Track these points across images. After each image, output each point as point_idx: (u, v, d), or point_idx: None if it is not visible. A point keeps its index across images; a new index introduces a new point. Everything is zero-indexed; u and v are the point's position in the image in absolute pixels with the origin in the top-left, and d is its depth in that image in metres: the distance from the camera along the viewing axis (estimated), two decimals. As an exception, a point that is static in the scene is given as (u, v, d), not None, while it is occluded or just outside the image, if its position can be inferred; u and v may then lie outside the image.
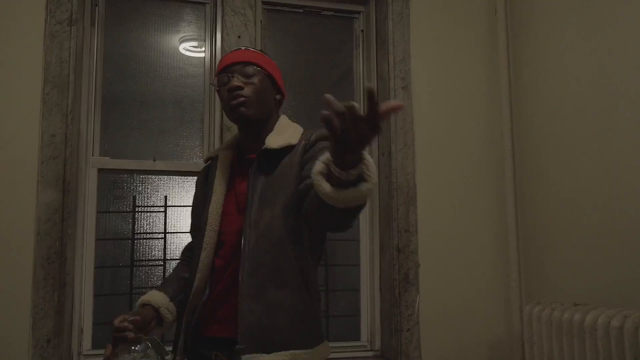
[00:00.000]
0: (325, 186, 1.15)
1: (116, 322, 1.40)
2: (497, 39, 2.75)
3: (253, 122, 1.58)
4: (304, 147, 1.53)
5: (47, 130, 2.27)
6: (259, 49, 1.73)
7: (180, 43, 2.70)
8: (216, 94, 1.91)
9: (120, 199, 2.55)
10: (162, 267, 2.55)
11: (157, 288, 1.64)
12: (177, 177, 2.61)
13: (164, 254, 2.56)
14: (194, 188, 1.81)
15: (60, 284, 2.21)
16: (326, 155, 1.16)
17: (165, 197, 2.59)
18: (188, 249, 1.80)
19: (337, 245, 2.78)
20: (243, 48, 1.65)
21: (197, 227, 1.64)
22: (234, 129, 2.54)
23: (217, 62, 2.59)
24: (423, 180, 2.62)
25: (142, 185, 2.58)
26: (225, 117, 2.53)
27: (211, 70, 2.65)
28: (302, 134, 1.59)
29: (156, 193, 2.59)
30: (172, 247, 2.57)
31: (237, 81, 1.54)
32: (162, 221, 2.57)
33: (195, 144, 2.65)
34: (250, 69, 1.56)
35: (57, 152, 2.26)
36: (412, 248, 2.57)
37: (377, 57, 2.79)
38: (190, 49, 2.71)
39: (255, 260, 1.44)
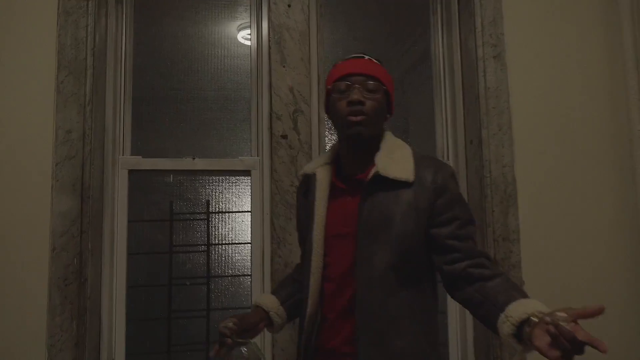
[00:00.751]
0: (517, 347, 1.19)
1: (220, 325, 1.44)
2: (618, -9, 2.15)
3: (365, 142, 1.48)
4: (434, 191, 1.42)
5: (62, 126, 1.90)
6: (375, 58, 1.51)
7: (239, 31, 2.30)
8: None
9: (154, 205, 2.16)
10: (205, 286, 2.13)
11: (272, 291, 1.68)
12: (220, 177, 2.20)
13: (208, 269, 2.15)
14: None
15: (80, 310, 1.84)
16: (514, 317, 1.18)
17: (208, 202, 2.18)
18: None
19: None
20: (366, 57, 1.51)
21: (303, 244, 1.60)
22: (284, 119, 2.09)
23: (267, 38, 2.16)
24: (524, 173, 2.06)
25: (180, 189, 2.18)
26: (274, 105, 2.09)
27: (259, 51, 2.21)
28: (413, 160, 1.46)
29: (197, 197, 2.18)
30: (216, 261, 2.15)
31: (359, 95, 1.44)
32: (205, 231, 2.16)
33: (242, 137, 2.22)
34: (372, 84, 1.46)
35: (74, 151, 1.89)
36: (513, 261, 2.02)
37: (459, 23, 2.26)
38: (247, 37, 2.30)
39: (371, 311, 1.39)
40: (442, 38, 2.33)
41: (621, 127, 2.11)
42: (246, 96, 2.23)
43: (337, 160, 1.58)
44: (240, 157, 2.17)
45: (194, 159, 2.15)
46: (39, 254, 1.84)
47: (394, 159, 1.46)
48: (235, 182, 2.20)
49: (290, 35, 2.15)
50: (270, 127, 2.11)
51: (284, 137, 2.11)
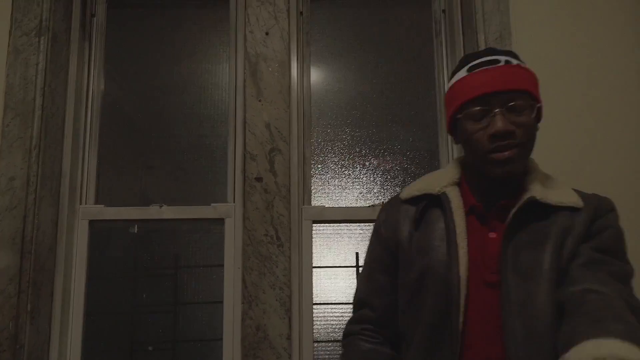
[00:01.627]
0: None
1: None
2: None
3: (520, 173, 1.13)
4: (593, 214, 1.11)
5: (5, 173, 1.72)
6: (510, 51, 1.15)
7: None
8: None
9: (115, 260, 1.94)
10: (170, 352, 1.87)
11: None
12: (191, 227, 1.96)
13: (174, 332, 1.88)
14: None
15: (13, 387, 1.61)
16: None
17: (176, 255, 1.93)
18: (368, 320, 1.23)
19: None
20: (502, 61, 1.10)
21: (390, 292, 1.19)
22: (259, 159, 1.84)
23: (243, 69, 1.94)
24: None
25: (145, 241, 1.95)
26: (248, 143, 1.85)
27: (230, 84, 2.00)
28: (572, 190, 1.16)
29: (165, 250, 1.95)
30: (184, 323, 1.89)
31: (505, 123, 1.07)
32: (172, 289, 1.91)
33: (217, 181, 1.99)
34: (521, 102, 1.08)
35: (15, 201, 1.71)
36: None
37: (463, 43, 1.96)
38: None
39: None
40: (447, 62, 2.03)
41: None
42: (222, 134, 2.00)
43: (463, 181, 1.21)
44: (213, 204, 1.93)
45: (161, 206, 1.92)
46: (-28, 317, 1.64)
47: (550, 184, 1.14)
48: (208, 233, 1.95)
49: (267, 66, 1.92)
50: (244, 169, 1.86)
51: (259, 179, 1.85)
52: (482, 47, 1.80)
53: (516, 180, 1.13)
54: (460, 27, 1.98)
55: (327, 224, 1.95)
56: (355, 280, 1.92)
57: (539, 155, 1.20)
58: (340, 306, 1.92)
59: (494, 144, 1.07)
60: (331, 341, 1.90)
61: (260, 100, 1.90)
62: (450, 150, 1.97)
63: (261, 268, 1.79)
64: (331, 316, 1.92)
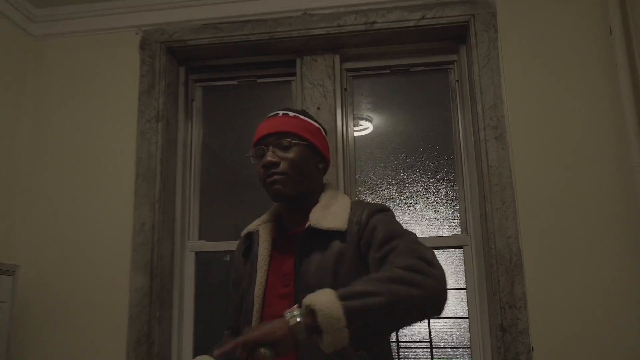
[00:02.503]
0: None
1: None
2: (616, 65, 2.27)
3: (292, 199, 1.47)
4: (357, 233, 1.39)
5: (138, 220, 2.48)
6: (301, 110, 1.58)
7: None
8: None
9: (214, 282, 2.64)
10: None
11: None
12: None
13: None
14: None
15: (149, 368, 2.34)
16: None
17: None
18: (230, 326, 1.69)
19: (444, 326, 2.46)
20: (280, 114, 1.52)
21: (239, 306, 1.54)
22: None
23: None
24: (530, 244, 2.21)
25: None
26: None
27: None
28: (349, 212, 1.44)
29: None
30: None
31: (271, 156, 1.44)
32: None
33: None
34: (286, 141, 1.45)
35: (146, 240, 2.45)
36: (520, 327, 2.15)
37: (470, 109, 2.51)
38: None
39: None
40: (461, 124, 2.59)
41: (626, 191, 2.19)
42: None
43: (279, 218, 1.57)
44: (283, 237, 2.59)
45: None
46: (121, 321, 2.38)
47: (330, 210, 1.43)
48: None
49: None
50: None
51: (315, 219, 2.49)
52: (481, 113, 2.35)
53: (303, 212, 1.45)
54: (467, 95, 2.54)
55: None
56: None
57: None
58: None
59: (267, 173, 1.44)
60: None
61: (315, 159, 2.55)
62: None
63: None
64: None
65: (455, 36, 2.56)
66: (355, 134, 2.69)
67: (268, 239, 1.50)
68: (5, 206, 2.50)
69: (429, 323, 2.46)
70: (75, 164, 2.57)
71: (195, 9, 2.62)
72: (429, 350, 2.44)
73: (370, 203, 1.47)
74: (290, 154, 1.44)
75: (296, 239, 1.42)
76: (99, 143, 2.58)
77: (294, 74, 2.71)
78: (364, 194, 2.62)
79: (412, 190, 2.60)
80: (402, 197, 2.60)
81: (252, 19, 2.58)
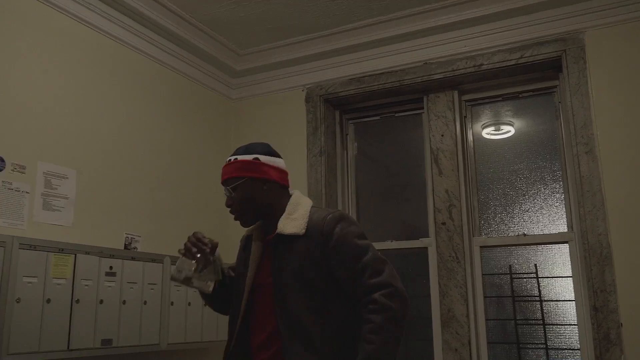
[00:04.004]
0: None
1: (201, 236, 1.86)
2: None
3: (254, 222, 1.90)
4: (323, 241, 1.73)
5: (311, 229, 3.41)
6: (246, 145, 1.90)
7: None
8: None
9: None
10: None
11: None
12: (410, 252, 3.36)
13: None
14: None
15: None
16: None
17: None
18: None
19: (555, 307, 3.02)
20: (229, 160, 1.88)
21: (237, 288, 1.92)
22: (443, 212, 3.20)
23: (429, 157, 3.32)
24: (618, 240, 2.69)
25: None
26: (435, 201, 3.23)
27: (432, 162, 3.37)
28: (309, 215, 1.79)
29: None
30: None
31: (226, 200, 1.86)
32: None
33: (420, 225, 3.39)
34: (230, 187, 1.83)
35: (317, 243, 3.37)
36: (611, 307, 2.66)
37: (565, 127, 3.03)
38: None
39: (292, 336, 1.70)
40: (562, 138, 3.11)
41: None
42: (423, 196, 3.40)
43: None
44: (420, 239, 3.33)
45: (392, 241, 3.38)
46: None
47: (293, 217, 1.79)
48: (418, 256, 3.35)
49: (443, 155, 3.27)
50: (435, 218, 3.23)
51: (443, 224, 3.20)
52: (573, 131, 2.87)
53: (275, 220, 1.81)
54: (567, 115, 3.05)
55: (490, 248, 3.19)
56: (510, 281, 3.11)
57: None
58: (498, 298, 3.14)
59: (230, 211, 1.87)
60: (496, 319, 3.12)
61: (440, 176, 3.25)
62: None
63: (448, 275, 3.13)
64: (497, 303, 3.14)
65: (553, 67, 3.08)
66: (498, 137, 3.33)
67: (257, 241, 1.90)
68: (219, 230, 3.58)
69: (541, 305, 3.03)
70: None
71: (343, 68, 3.48)
72: (542, 327, 3.01)
73: (330, 211, 1.81)
74: (236, 195, 1.84)
75: (271, 242, 1.82)
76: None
77: (422, 108, 3.43)
78: (484, 198, 3.26)
79: (525, 194, 3.18)
80: (517, 200, 3.19)
81: (385, 71, 3.38)
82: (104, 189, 2.81)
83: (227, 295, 1.97)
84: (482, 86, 3.30)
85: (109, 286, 2.53)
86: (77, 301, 2.36)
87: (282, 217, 1.80)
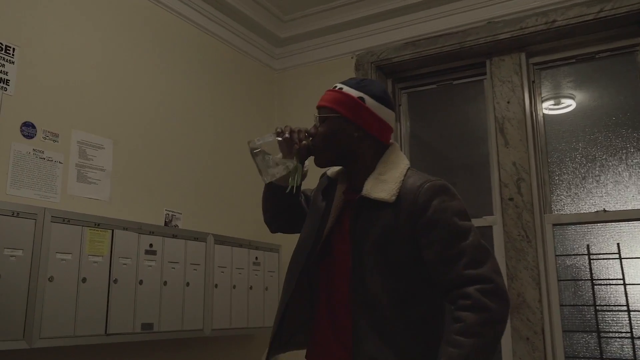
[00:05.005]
0: None
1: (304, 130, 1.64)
2: None
3: (325, 166, 1.64)
4: (414, 212, 1.46)
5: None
6: (360, 79, 1.64)
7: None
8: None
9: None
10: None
11: None
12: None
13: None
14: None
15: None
16: None
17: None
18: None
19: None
20: (333, 87, 1.63)
21: (304, 234, 1.70)
22: (510, 186, 2.90)
23: (494, 127, 3.01)
24: None
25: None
26: (502, 175, 2.93)
27: (497, 132, 3.06)
28: (403, 178, 1.52)
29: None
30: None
31: (312, 127, 1.62)
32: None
33: (484, 202, 3.09)
34: (321, 116, 1.60)
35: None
36: None
37: (656, 88, 2.68)
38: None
39: (366, 326, 1.46)
40: (649, 100, 2.76)
41: None
42: (486, 171, 3.11)
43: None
44: (484, 217, 3.04)
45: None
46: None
47: (383, 179, 1.51)
48: (484, 236, 3.06)
49: (510, 124, 2.96)
50: (501, 193, 2.93)
51: (511, 199, 2.90)
52: (664, 93, 2.53)
53: (360, 176, 1.56)
54: (655, 74, 2.71)
55: (564, 226, 2.88)
56: (588, 263, 2.80)
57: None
58: (573, 281, 2.82)
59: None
60: (573, 305, 2.81)
61: (507, 147, 2.95)
62: (657, 166, 2.69)
63: (517, 257, 2.83)
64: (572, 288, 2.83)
65: (637, 21, 2.74)
66: (553, 112, 3.00)
67: (339, 193, 1.63)
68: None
69: (625, 289, 2.70)
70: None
71: (396, 32, 3.19)
72: (627, 313, 2.69)
73: (429, 179, 1.50)
74: (322, 128, 1.58)
75: (354, 204, 1.54)
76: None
77: (485, 74, 3.12)
78: (555, 171, 2.94)
79: (603, 166, 2.85)
80: (593, 173, 2.87)
81: (443, 33, 3.08)
82: (143, 161, 2.61)
83: (289, 213, 1.77)
84: (553, 47, 2.97)
85: (149, 265, 2.33)
86: (115, 281, 2.17)
87: (371, 176, 1.54)
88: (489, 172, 3.07)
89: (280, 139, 1.61)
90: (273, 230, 1.87)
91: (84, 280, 2.06)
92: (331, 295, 1.57)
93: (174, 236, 2.47)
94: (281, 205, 1.76)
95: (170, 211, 2.70)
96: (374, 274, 1.46)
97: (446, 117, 3.31)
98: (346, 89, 1.58)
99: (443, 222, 1.44)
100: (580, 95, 2.98)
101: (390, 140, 1.63)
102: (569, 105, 3.01)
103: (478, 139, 3.17)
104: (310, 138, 1.61)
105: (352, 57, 3.33)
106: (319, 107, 1.61)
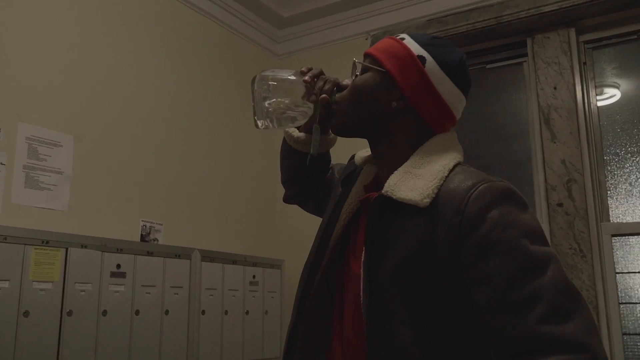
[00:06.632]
0: None
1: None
2: None
3: (344, 135, 1.20)
4: (459, 226, 0.97)
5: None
6: (431, 35, 1.19)
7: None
8: None
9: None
10: None
11: None
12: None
13: None
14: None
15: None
16: None
17: None
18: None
19: None
20: (394, 35, 1.20)
21: (320, 232, 1.25)
22: (558, 189, 2.43)
23: (538, 118, 2.55)
24: None
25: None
26: (548, 176, 2.46)
27: (542, 124, 2.60)
28: (446, 177, 1.04)
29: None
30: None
31: (349, 80, 1.19)
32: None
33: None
34: (362, 65, 1.17)
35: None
36: None
37: None
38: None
39: None
40: None
41: None
42: (527, 169, 2.64)
43: None
44: (525, 225, 2.57)
45: None
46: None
47: (417, 173, 1.06)
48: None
49: (558, 114, 2.49)
50: (547, 197, 2.46)
51: (560, 205, 2.43)
52: None
53: (389, 163, 1.12)
54: None
55: (625, 237, 2.40)
56: (656, 283, 2.32)
57: None
58: (644, 304, 2.35)
59: None
60: (638, 334, 2.34)
61: (554, 142, 2.48)
62: None
63: (569, 275, 2.36)
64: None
65: None
66: (599, 103, 2.54)
67: (360, 191, 1.20)
68: (271, 211, 2.93)
69: None
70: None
71: (418, 7, 2.74)
72: None
73: (486, 178, 1.01)
74: (355, 82, 1.15)
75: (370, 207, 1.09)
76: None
77: (525, 55, 2.67)
78: (613, 171, 2.47)
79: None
80: (662, 175, 2.39)
81: (477, 6, 2.62)
82: (113, 161, 2.20)
83: (310, 181, 1.39)
84: (610, 20, 2.49)
85: (116, 291, 1.92)
86: (69, 313, 1.76)
87: (400, 168, 1.07)
88: (532, 172, 2.61)
89: (294, 78, 1.20)
90: (287, 197, 1.46)
91: (25, 313, 1.64)
92: (344, 334, 1.12)
93: (150, 253, 2.05)
94: (298, 171, 1.38)
95: (148, 222, 2.28)
96: (396, 317, 1.00)
97: (479, 106, 2.84)
98: (408, 41, 1.14)
99: (506, 245, 0.94)
100: (626, 85, 2.51)
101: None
102: (612, 95, 2.54)
103: (518, 132, 2.71)
104: (338, 94, 1.18)
105: (366, 39, 2.89)
106: (365, 54, 1.18)
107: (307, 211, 1.47)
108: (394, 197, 1.02)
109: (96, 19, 2.21)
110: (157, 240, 2.30)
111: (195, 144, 2.61)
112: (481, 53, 2.78)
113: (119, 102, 2.26)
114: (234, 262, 2.42)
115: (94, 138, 2.14)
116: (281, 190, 1.46)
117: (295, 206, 1.46)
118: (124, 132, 2.26)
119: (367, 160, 1.24)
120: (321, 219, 1.26)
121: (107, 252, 1.89)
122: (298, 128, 1.31)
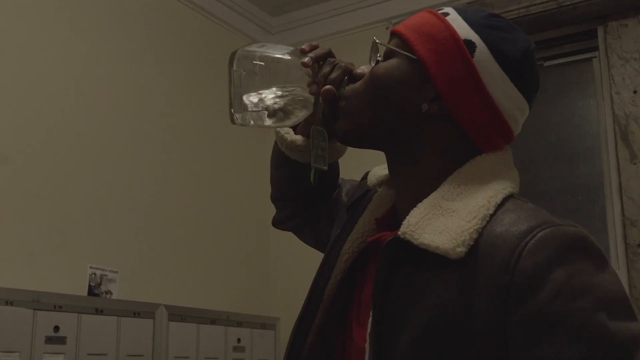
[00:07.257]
0: None
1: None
2: None
3: (349, 138, 1.12)
4: (504, 291, 0.87)
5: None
6: (489, 13, 1.07)
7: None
8: None
9: None
10: None
11: None
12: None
13: None
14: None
15: None
16: None
17: None
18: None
19: None
20: (434, 9, 1.09)
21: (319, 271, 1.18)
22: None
23: (612, 132, 2.52)
24: None
25: None
26: (626, 207, 2.41)
27: (617, 139, 2.54)
28: (491, 215, 0.95)
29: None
30: None
31: (366, 67, 1.11)
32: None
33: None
34: (384, 44, 1.09)
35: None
36: None
37: None
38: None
39: None
40: None
41: None
42: (598, 198, 2.60)
43: None
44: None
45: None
46: None
47: (448, 208, 0.98)
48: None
49: (639, 127, 2.43)
50: (624, 236, 2.39)
51: (641, 246, 2.35)
52: None
53: (411, 188, 1.06)
54: None
55: None
56: None
57: None
58: None
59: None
60: None
61: (635, 163, 2.40)
62: None
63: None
64: None
65: None
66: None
67: (370, 226, 1.14)
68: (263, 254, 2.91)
69: None
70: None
71: (453, -13, 2.73)
72: None
73: (548, 220, 0.91)
74: (374, 70, 1.07)
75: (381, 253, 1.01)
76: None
77: (596, 48, 2.70)
78: None
79: None
80: None
81: (530, -14, 2.62)
82: (50, 189, 2.23)
83: (309, 202, 1.34)
84: None
85: (52, 364, 1.96)
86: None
87: (427, 199, 0.99)
88: (604, 202, 2.59)
89: (289, 58, 1.11)
90: (277, 220, 1.43)
91: None
92: None
93: (99, 311, 2.08)
94: (292, 187, 1.34)
95: (98, 269, 2.29)
96: None
97: (533, 115, 2.71)
98: (453, 17, 1.04)
99: (574, 321, 0.85)
100: None
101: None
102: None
103: (585, 150, 2.74)
104: (349, 87, 1.09)
105: (387, 28, 2.90)
106: (391, 34, 1.09)
107: (303, 242, 1.44)
108: (415, 243, 0.93)
109: (40, 14, 2.22)
110: (111, 294, 2.31)
111: (163, 165, 2.63)
112: (538, 47, 2.68)
113: (57, 113, 2.30)
114: (213, 322, 2.46)
115: (26, 158, 2.17)
116: (265, 233, 1.40)
117: (295, 247, 1.42)
118: (64, 151, 2.30)
119: (384, 182, 1.17)
120: (323, 256, 1.20)
121: (40, 310, 1.89)
122: (294, 128, 1.23)
